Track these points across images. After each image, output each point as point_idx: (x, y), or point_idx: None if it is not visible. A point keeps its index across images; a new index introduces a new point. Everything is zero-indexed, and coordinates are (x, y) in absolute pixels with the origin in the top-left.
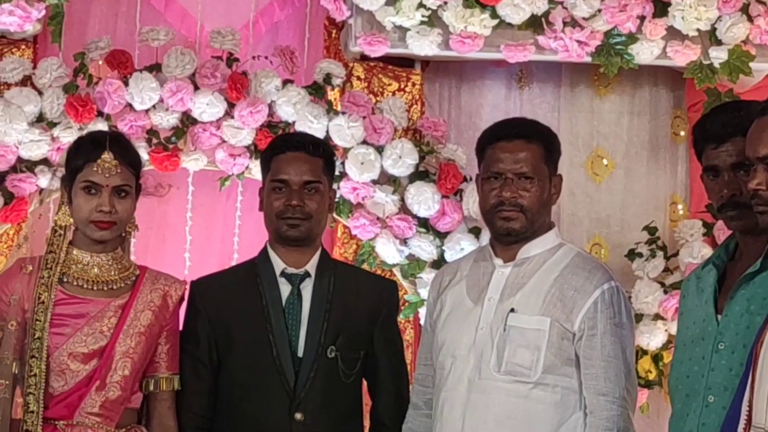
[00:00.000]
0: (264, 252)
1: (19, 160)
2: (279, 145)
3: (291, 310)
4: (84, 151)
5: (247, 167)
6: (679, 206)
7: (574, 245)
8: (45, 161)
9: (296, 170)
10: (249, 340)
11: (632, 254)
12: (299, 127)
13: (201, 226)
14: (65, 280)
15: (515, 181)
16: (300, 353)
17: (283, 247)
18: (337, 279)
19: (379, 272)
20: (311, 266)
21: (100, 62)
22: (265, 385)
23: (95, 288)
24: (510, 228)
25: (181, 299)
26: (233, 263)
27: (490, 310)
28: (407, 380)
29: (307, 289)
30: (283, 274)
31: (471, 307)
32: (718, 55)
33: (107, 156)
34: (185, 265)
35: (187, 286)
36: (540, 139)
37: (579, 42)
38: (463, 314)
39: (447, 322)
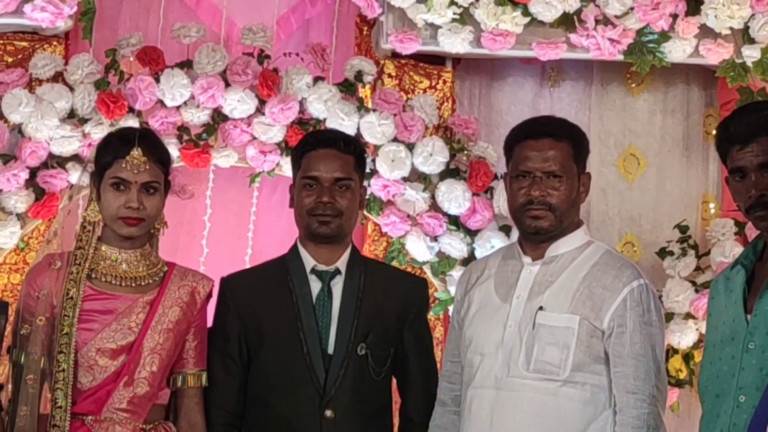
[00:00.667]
0: (294, 249)
1: (50, 156)
2: (310, 141)
3: (321, 307)
4: (113, 147)
5: (277, 164)
6: (711, 205)
7: (603, 243)
8: (76, 157)
9: (327, 167)
10: (279, 337)
11: (663, 253)
12: (330, 125)
13: (221, 222)
14: (94, 276)
15: (544, 179)
16: (330, 350)
17: (314, 244)
18: (368, 276)
19: (409, 270)
20: (342, 263)
21: (132, 59)
22: (295, 382)
23: (123, 284)
24: (539, 227)
25: (209, 296)
26: (246, 259)
27: (519, 308)
28: (437, 378)
29: (337, 286)
30: (313, 271)
31: (499, 304)
32: (751, 54)
33: (136, 152)
34: (200, 261)
35: (216, 283)
36: (568, 138)
37: (611, 40)
38: (492, 312)
39: (475, 319)
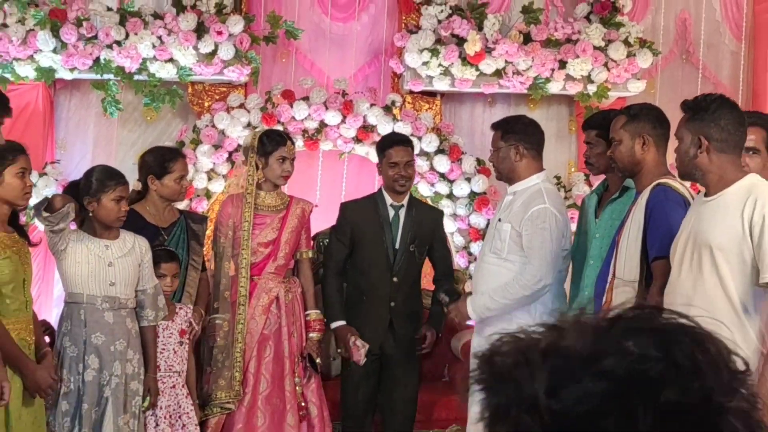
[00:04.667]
0: (380, 191)
1: (238, 146)
2: (391, 140)
3: (394, 224)
4: (275, 140)
5: (352, 148)
6: (573, 167)
7: (543, 186)
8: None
9: (402, 155)
10: (370, 238)
11: None
12: (379, 129)
13: (327, 180)
14: (255, 206)
15: (492, 151)
16: (396, 247)
17: (393, 192)
18: (416, 209)
19: (429, 202)
20: (405, 202)
21: (278, 95)
22: (377, 262)
23: (269, 210)
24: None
25: (311, 211)
26: (342, 200)
27: (495, 220)
28: (451, 258)
29: (402, 214)
30: (391, 205)
31: (495, 218)
32: (592, 89)
33: (290, 142)
34: (316, 198)
35: (316, 205)
36: (497, 128)
37: (521, 82)
38: (492, 222)
39: (489, 226)
